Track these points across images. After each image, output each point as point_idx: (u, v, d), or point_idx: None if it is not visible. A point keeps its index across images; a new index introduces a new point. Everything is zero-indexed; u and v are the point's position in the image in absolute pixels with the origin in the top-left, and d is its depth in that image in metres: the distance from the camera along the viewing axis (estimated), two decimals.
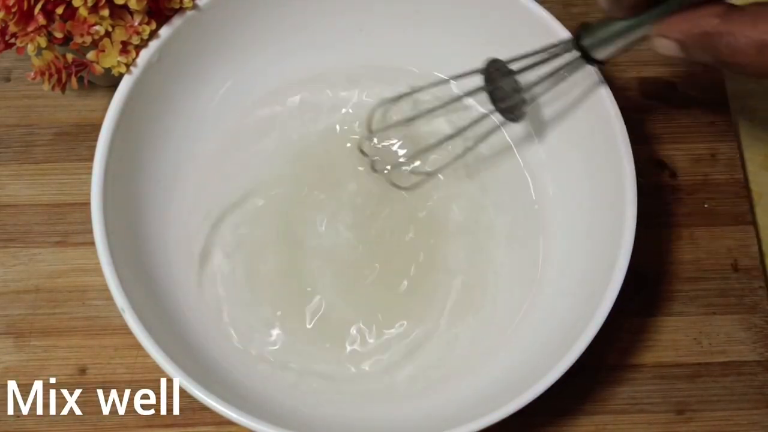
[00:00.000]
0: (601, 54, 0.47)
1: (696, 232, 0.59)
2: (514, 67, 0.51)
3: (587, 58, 0.48)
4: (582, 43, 0.47)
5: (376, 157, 0.57)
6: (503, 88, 0.52)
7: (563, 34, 0.53)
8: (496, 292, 0.55)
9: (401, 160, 0.58)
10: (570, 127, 0.55)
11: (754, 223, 0.59)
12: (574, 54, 0.48)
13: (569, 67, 0.49)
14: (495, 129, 0.57)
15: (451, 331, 0.54)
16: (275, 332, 0.53)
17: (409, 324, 0.54)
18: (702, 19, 0.39)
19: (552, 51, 0.49)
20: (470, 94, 0.55)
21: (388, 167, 0.57)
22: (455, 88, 0.58)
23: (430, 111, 0.56)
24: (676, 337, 0.56)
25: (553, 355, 0.47)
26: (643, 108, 0.62)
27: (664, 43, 0.41)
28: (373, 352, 0.53)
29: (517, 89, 0.52)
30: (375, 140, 0.58)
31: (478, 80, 0.52)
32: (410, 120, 0.57)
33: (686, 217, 0.59)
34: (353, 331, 0.54)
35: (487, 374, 0.52)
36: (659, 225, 0.59)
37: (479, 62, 0.58)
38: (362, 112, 0.58)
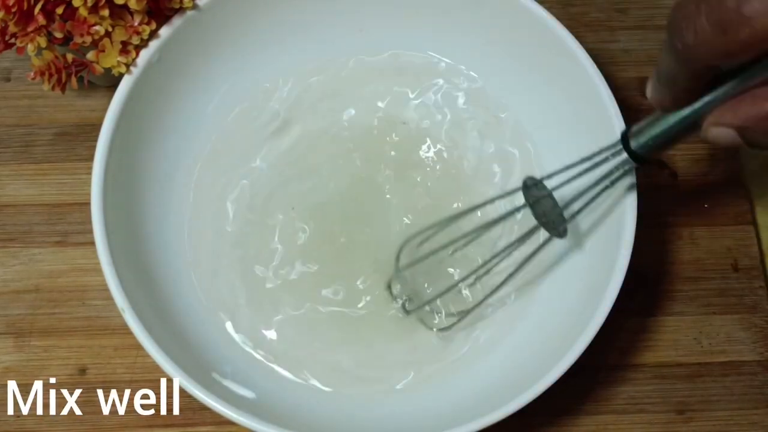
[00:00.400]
0: (650, 153, 0.43)
1: (696, 232, 0.59)
2: (551, 182, 0.47)
3: (637, 159, 0.43)
4: (632, 147, 0.43)
5: (405, 298, 0.54)
6: (542, 203, 0.48)
7: (562, 33, 0.53)
8: (496, 292, 0.55)
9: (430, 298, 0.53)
10: (570, 127, 0.55)
11: (754, 223, 0.59)
12: (619, 159, 0.44)
13: (614, 174, 0.45)
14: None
15: (451, 331, 0.54)
16: (276, 332, 0.53)
17: (408, 324, 0.54)
18: (764, 102, 0.35)
19: (596, 159, 0.45)
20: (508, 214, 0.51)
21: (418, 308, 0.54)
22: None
23: (458, 240, 0.52)
24: (676, 337, 0.56)
25: (553, 355, 0.47)
26: (644, 108, 0.62)
27: (720, 132, 0.37)
28: (373, 353, 0.53)
29: (556, 205, 0.48)
30: (406, 277, 0.54)
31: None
32: (435, 252, 0.52)
33: (686, 217, 0.59)
34: (351, 331, 0.54)
35: (488, 374, 0.52)
36: (659, 225, 0.59)
37: (478, 62, 0.58)
38: (361, 113, 0.58)
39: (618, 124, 0.51)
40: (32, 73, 0.51)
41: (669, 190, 0.60)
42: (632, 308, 0.56)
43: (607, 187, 0.46)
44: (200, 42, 0.55)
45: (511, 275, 0.51)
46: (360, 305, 0.54)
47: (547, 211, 0.48)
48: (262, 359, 0.53)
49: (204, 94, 0.57)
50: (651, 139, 0.42)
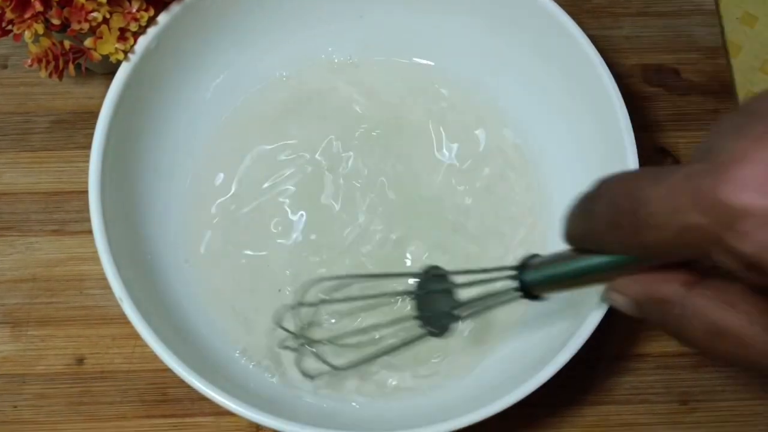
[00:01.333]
0: (540, 291, 0.41)
1: None
2: (451, 280, 0.46)
3: (525, 292, 0.41)
4: (523, 278, 0.41)
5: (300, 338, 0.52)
6: (435, 298, 0.47)
7: (563, 18, 0.52)
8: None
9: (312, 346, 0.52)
10: (573, 114, 0.55)
11: None
12: (513, 284, 0.42)
13: (505, 295, 0.42)
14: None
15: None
16: (276, 321, 0.53)
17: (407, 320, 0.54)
18: (665, 284, 0.35)
19: (496, 275, 0.43)
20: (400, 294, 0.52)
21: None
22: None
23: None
24: None
25: (555, 346, 0.47)
26: (646, 95, 0.62)
27: (617, 297, 0.37)
28: (372, 348, 0.53)
29: (449, 304, 0.46)
30: (302, 314, 0.53)
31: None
32: (330, 302, 0.52)
33: None
34: (352, 325, 0.53)
35: (489, 365, 0.52)
36: None
37: (478, 51, 0.58)
38: (362, 103, 0.58)
39: (621, 112, 0.50)
40: (29, 60, 0.50)
41: None
42: None
43: (492, 307, 0.45)
44: (199, 29, 0.55)
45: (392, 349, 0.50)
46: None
47: (437, 305, 0.47)
48: (261, 349, 0.52)
49: (203, 82, 0.57)
50: (545, 279, 0.40)
